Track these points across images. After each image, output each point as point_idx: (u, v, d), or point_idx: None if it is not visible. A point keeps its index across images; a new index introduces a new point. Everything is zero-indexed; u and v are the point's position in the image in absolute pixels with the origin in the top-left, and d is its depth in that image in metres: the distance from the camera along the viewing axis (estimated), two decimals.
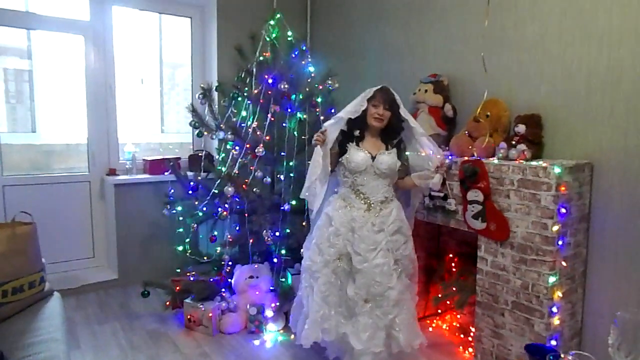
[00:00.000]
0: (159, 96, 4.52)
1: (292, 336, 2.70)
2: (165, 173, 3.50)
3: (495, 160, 2.37)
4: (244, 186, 2.85)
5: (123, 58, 3.82)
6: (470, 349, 2.61)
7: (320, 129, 2.37)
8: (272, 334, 2.84)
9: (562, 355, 0.97)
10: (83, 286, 3.47)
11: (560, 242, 2.16)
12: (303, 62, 3.02)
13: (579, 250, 2.31)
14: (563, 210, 2.15)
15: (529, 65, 2.54)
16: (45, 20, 3.45)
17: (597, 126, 2.28)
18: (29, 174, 3.57)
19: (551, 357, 0.98)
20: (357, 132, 2.40)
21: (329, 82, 2.96)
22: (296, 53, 3.07)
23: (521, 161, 2.28)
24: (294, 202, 2.92)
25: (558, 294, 2.20)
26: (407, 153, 2.49)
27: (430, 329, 2.94)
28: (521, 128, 2.41)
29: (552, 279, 2.15)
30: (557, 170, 2.09)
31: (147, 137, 4.46)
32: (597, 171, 2.30)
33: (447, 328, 2.94)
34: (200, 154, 3.51)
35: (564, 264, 2.21)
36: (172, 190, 3.25)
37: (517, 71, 2.60)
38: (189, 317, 2.89)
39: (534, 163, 2.21)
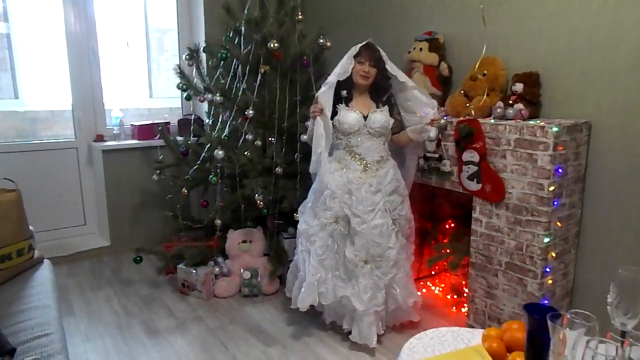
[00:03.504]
0: (146, 61, 4.38)
1: (287, 299, 2.71)
2: (154, 138, 3.41)
3: (491, 120, 2.31)
4: (234, 150, 2.78)
5: (106, 20, 3.66)
6: (464, 309, 2.64)
7: (314, 100, 2.29)
8: (266, 297, 2.85)
9: (562, 314, 0.94)
10: (75, 253, 3.45)
11: (555, 203, 2.14)
12: (293, 21, 2.88)
13: (574, 211, 2.30)
14: (560, 171, 2.11)
15: (528, 22, 2.44)
16: None
17: (597, 85, 2.21)
18: (14, 141, 3.47)
19: (551, 316, 0.95)
20: (344, 93, 2.34)
21: (321, 40, 2.84)
22: (286, 10, 2.93)
23: (518, 120, 2.23)
24: (286, 166, 2.86)
25: (552, 254, 2.20)
26: (401, 109, 2.43)
27: (424, 290, 2.96)
28: (519, 87, 2.34)
29: (546, 240, 2.14)
30: (554, 129, 2.04)
31: (136, 102, 4.35)
32: (595, 131, 2.25)
33: (441, 289, 2.97)
34: (189, 118, 3.41)
35: (558, 224, 2.19)
36: (162, 156, 3.18)
37: (516, 28, 2.50)
38: (182, 282, 2.89)
39: (531, 122, 2.16)
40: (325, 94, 2.31)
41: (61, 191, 3.56)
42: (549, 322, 0.96)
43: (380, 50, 2.30)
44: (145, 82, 4.45)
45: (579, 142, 2.22)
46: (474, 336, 1.40)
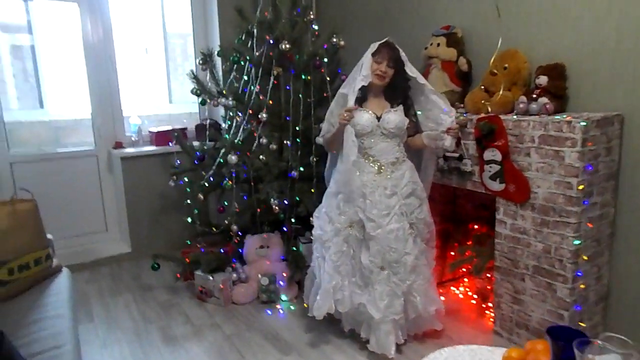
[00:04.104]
0: (165, 66, 4.40)
1: (305, 305, 2.65)
2: (171, 144, 3.41)
3: (514, 116, 2.19)
4: (248, 154, 2.74)
5: (125, 28, 3.69)
6: (489, 314, 2.51)
7: (345, 108, 2.15)
8: (284, 303, 2.80)
9: (591, 340, 0.82)
10: (97, 260, 3.48)
11: (585, 202, 2.00)
12: (305, 20, 2.82)
13: (606, 210, 2.15)
14: (589, 168, 1.97)
15: (552, 11, 2.31)
16: None
17: (629, 75, 2.06)
18: (37, 150, 3.53)
19: (578, 343, 0.83)
20: (358, 94, 2.25)
21: (334, 40, 2.77)
22: (298, 11, 2.87)
23: (543, 116, 2.10)
24: (301, 169, 2.80)
25: (583, 257, 2.06)
26: (418, 112, 2.33)
27: (448, 294, 2.84)
28: (543, 80, 2.21)
29: (576, 242, 2.01)
30: (582, 124, 1.91)
31: (155, 108, 4.37)
32: (629, 124, 2.10)
33: (465, 294, 2.84)
34: (204, 123, 3.40)
35: (589, 225, 2.05)
36: (179, 162, 3.17)
37: (538, 18, 2.36)
38: (200, 288, 2.86)
39: (557, 117, 2.03)
40: (351, 101, 2.20)
41: (83, 199, 3.60)
42: (575, 350, 0.84)
43: (400, 50, 2.19)
44: (165, 87, 4.47)
45: (611, 137, 2.08)
46: (494, 356, 1.29)
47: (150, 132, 3.70)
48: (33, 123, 3.85)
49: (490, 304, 2.54)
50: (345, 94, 2.24)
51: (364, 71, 2.19)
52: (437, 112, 2.25)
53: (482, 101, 2.32)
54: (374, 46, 2.20)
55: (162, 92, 4.44)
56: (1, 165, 3.30)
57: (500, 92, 2.26)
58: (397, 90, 2.28)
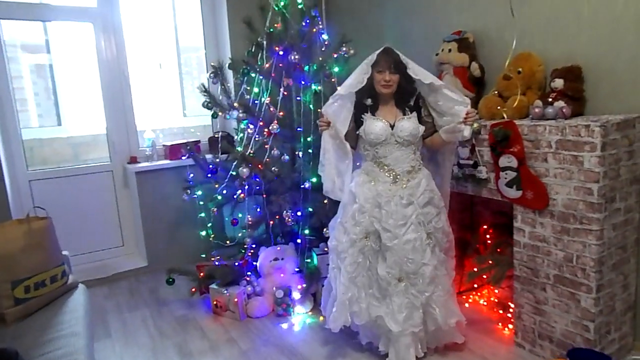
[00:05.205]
0: (179, 80, 4.45)
1: (321, 318, 2.62)
2: (183, 157, 3.43)
3: (529, 121, 2.12)
4: (260, 166, 2.73)
5: (137, 44, 3.74)
6: (510, 326, 2.43)
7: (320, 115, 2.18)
8: (300, 316, 2.76)
9: None
10: (115, 274, 3.51)
11: (607, 208, 1.92)
12: (314, 30, 2.81)
13: (631, 216, 2.06)
14: (611, 173, 1.90)
15: (566, 10, 2.24)
16: (55, 10, 3.41)
17: None
18: (54, 167, 3.59)
19: None
20: (369, 101, 2.21)
21: (344, 49, 2.75)
22: (307, 21, 2.86)
23: (559, 120, 2.03)
24: (314, 180, 2.78)
25: (607, 265, 1.98)
26: (431, 112, 2.26)
27: (467, 304, 2.77)
28: (558, 83, 2.15)
29: (599, 250, 1.93)
30: (601, 127, 1.84)
31: (170, 122, 4.41)
32: None
33: (485, 304, 2.77)
34: (217, 136, 3.41)
35: (613, 232, 1.97)
36: (192, 175, 3.18)
37: (552, 18, 2.30)
38: (215, 302, 2.85)
39: (574, 121, 1.96)
40: (331, 107, 2.18)
41: (99, 214, 3.64)
42: None
43: (400, 53, 2.15)
44: (179, 101, 4.51)
45: (633, 139, 2.00)
46: None
47: (164, 145, 3.73)
48: (52, 140, 3.93)
49: (510, 315, 2.46)
50: (348, 94, 2.20)
51: (350, 80, 2.17)
52: (452, 105, 2.16)
53: (498, 107, 2.26)
54: (372, 57, 2.15)
55: (176, 106, 4.48)
56: (20, 184, 3.37)
57: (518, 97, 2.20)
58: (405, 94, 2.24)
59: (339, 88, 2.22)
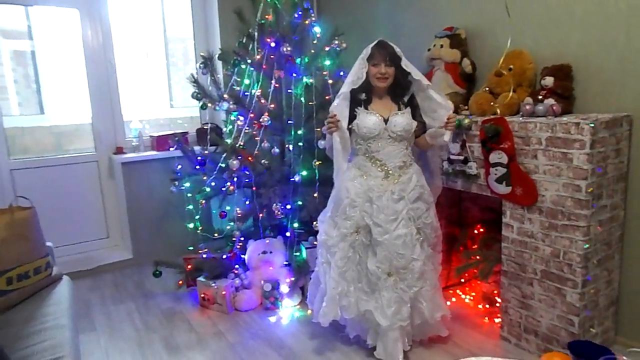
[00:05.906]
0: (166, 71, 4.38)
1: (309, 311, 2.62)
2: (171, 149, 3.38)
3: (519, 118, 2.14)
4: (250, 158, 2.70)
5: (124, 32, 3.66)
6: (497, 320, 2.47)
7: (329, 114, 2.14)
8: (288, 310, 2.76)
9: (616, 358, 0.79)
10: (99, 267, 3.45)
11: (594, 205, 1.96)
12: (307, 22, 2.79)
13: (616, 213, 2.10)
14: (598, 170, 1.93)
15: (557, 9, 2.27)
16: None
17: (638, 75, 2.02)
18: (37, 157, 3.51)
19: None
20: (362, 95, 2.21)
21: (336, 42, 2.73)
22: (299, 13, 2.84)
23: (549, 117, 2.05)
24: (304, 173, 2.77)
25: (593, 261, 2.02)
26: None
27: (454, 299, 2.80)
28: (549, 81, 2.17)
29: (586, 246, 1.96)
30: (591, 125, 1.87)
31: (157, 113, 4.34)
32: (638, 125, 2.06)
33: (472, 298, 2.80)
34: (206, 127, 3.37)
35: (599, 228, 2.01)
36: (180, 166, 3.14)
37: (544, 16, 2.32)
38: (202, 295, 2.83)
39: (564, 119, 1.98)
40: (339, 107, 2.16)
41: (84, 205, 3.57)
42: None
43: (395, 46, 2.15)
44: (166, 91, 4.45)
45: (620, 138, 2.04)
46: None
47: (151, 136, 3.67)
48: (34, 129, 3.83)
49: (497, 309, 2.50)
50: (346, 93, 2.19)
51: (351, 77, 2.17)
52: (435, 108, 2.18)
53: (491, 103, 2.28)
54: (367, 50, 2.14)
55: (163, 96, 4.41)
56: (2, 173, 3.28)
57: (510, 94, 2.22)
58: (400, 87, 2.23)
59: (346, 81, 2.19)
